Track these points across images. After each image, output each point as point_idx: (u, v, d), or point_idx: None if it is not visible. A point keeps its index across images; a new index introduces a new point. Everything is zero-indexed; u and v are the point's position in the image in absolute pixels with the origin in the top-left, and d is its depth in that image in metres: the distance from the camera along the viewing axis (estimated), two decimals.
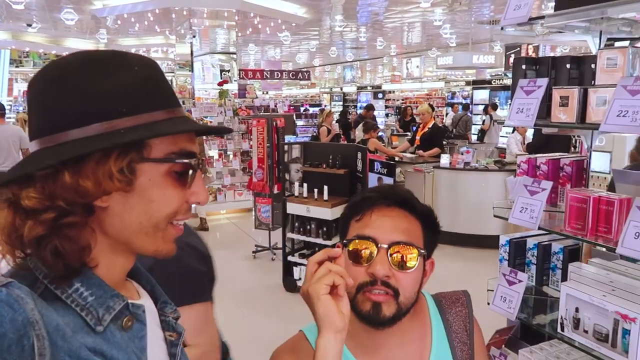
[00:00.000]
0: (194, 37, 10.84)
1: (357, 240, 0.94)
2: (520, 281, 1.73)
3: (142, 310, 0.73)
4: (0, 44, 15.88)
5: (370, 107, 12.54)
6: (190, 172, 0.71)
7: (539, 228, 1.62)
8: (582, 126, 1.57)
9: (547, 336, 1.79)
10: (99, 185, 0.64)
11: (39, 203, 0.63)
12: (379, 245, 0.91)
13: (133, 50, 17.31)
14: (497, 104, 14.40)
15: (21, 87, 21.75)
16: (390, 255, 0.91)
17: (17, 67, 23.06)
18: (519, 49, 12.31)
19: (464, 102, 17.65)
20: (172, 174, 0.69)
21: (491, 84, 16.90)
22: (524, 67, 1.90)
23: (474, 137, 13.23)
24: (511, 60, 12.64)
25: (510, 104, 1.76)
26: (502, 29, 1.74)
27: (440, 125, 14.25)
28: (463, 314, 1.06)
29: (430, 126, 7.81)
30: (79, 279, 0.67)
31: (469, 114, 14.88)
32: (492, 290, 1.87)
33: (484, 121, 13.31)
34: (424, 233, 0.97)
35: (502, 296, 1.78)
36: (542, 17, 1.59)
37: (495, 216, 1.87)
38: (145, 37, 14.81)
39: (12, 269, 0.67)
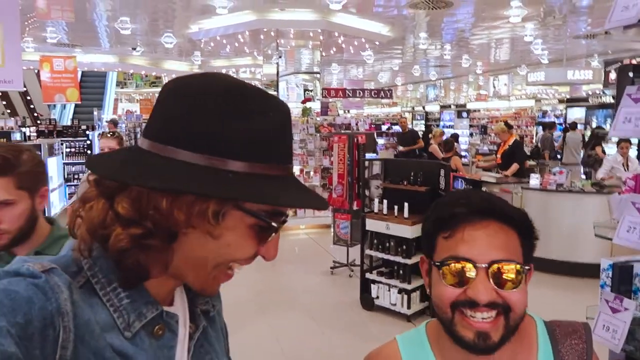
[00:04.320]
0: (280, 57, 11.25)
1: (450, 262, 0.85)
2: (626, 309, 1.56)
3: (176, 321, 0.72)
4: (109, 66, 17.54)
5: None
6: (274, 233, 0.69)
7: None
8: None
9: None
10: (189, 220, 0.63)
11: (128, 214, 0.63)
12: (477, 265, 0.83)
13: (223, 71, 18.39)
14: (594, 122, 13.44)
15: (125, 106, 23.89)
16: (492, 275, 0.83)
17: (122, 88, 25.39)
18: (619, 63, 11.41)
19: (556, 121, 16.64)
20: (256, 227, 0.67)
21: (588, 101, 15.78)
22: (631, 74, 1.74)
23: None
24: (611, 76, 11.75)
25: (611, 120, 1.61)
26: (606, 33, 1.61)
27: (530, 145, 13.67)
28: (579, 349, 0.94)
29: (510, 143, 7.63)
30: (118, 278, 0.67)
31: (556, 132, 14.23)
32: (592, 318, 1.70)
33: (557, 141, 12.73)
34: (521, 243, 0.87)
35: (604, 325, 1.61)
36: None
37: (596, 235, 1.70)
38: (235, 58, 15.63)
39: (62, 255, 0.67)
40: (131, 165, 0.65)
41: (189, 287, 0.79)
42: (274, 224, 0.68)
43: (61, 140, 9.62)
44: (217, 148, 0.63)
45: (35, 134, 10.58)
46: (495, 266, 0.83)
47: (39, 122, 13.30)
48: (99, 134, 3.42)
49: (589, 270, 5.37)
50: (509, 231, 0.86)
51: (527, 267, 0.85)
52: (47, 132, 10.61)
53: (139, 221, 0.63)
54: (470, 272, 0.83)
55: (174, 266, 0.68)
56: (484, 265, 0.83)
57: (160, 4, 9.32)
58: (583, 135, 12.70)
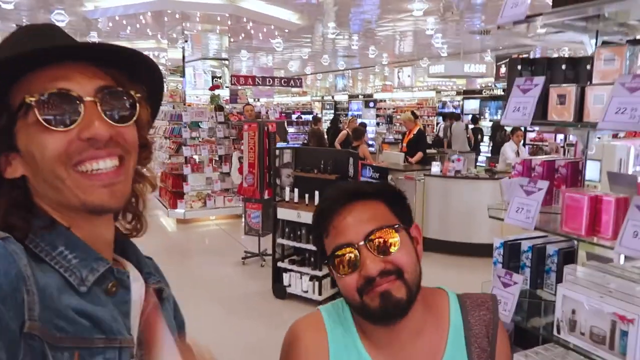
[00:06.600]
0: (186, 41, 10.79)
1: (336, 254, 0.91)
2: (515, 283, 1.70)
3: (127, 277, 0.73)
4: None
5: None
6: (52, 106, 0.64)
7: (536, 228, 1.59)
8: (580, 124, 1.55)
9: (542, 340, 1.76)
10: None
11: None
12: (357, 245, 0.89)
13: None
14: (485, 114, 14.54)
15: None
16: (372, 247, 0.89)
17: None
18: (509, 59, 12.45)
19: (454, 111, 17.79)
20: (43, 118, 0.64)
21: (481, 94, 17.06)
22: (519, 67, 1.88)
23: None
24: (502, 70, 12.76)
25: (502, 111, 1.73)
26: (498, 28, 1.73)
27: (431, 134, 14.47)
28: (486, 319, 1.01)
29: (415, 132, 8.05)
30: (63, 243, 0.67)
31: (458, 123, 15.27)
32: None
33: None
34: (391, 209, 0.95)
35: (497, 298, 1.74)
36: (540, 15, 1.58)
37: (490, 217, 1.84)
38: (137, 40, 14.72)
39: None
40: None
41: (140, 269, 0.80)
42: (31, 98, 0.64)
43: None
44: None
45: None
46: (371, 237, 0.89)
47: None
48: None
49: (484, 250, 5.83)
50: (374, 204, 0.94)
51: (397, 225, 0.92)
52: None
53: None
54: (356, 254, 0.89)
55: (56, 203, 0.69)
56: (362, 243, 0.89)
57: None
58: (466, 125, 13.57)
